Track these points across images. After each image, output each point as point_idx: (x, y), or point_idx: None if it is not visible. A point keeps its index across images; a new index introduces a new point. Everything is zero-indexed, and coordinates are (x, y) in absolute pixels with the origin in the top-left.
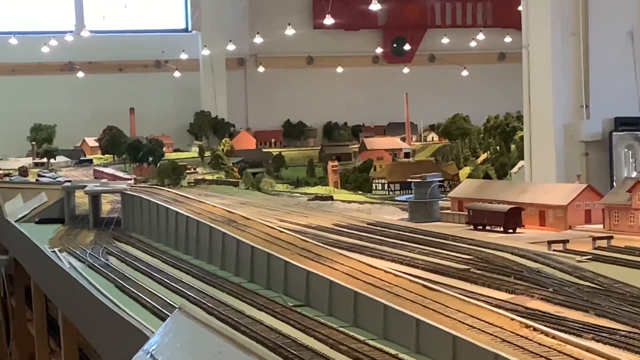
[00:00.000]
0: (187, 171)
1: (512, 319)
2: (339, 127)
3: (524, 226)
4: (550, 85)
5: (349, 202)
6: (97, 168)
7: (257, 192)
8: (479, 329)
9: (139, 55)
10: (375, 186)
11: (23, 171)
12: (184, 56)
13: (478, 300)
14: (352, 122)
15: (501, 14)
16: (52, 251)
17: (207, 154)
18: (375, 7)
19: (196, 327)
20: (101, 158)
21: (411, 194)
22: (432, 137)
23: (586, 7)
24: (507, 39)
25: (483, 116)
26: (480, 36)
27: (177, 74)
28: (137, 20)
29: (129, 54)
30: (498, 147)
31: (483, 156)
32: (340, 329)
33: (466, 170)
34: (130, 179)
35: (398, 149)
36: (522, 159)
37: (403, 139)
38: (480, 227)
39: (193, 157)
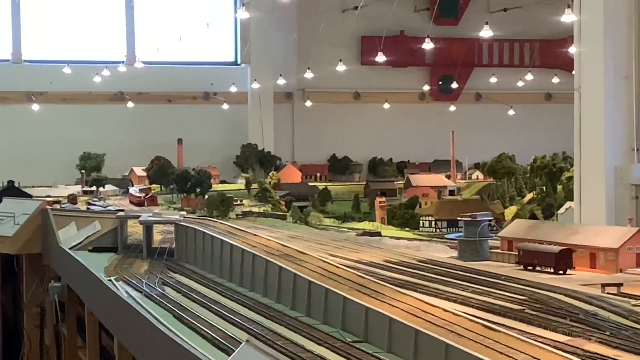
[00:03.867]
0: (234, 203)
1: None
2: (384, 162)
3: (574, 268)
4: (602, 128)
5: (398, 238)
6: (130, 190)
7: (305, 226)
8: None
9: (188, 87)
10: (423, 223)
11: (72, 199)
12: (232, 89)
13: (536, 341)
14: (397, 158)
15: (549, 55)
16: (108, 280)
17: (254, 186)
18: (427, 46)
19: None
20: (149, 188)
21: (459, 231)
22: (477, 176)
23: (639, 51)
24: (555, 80)
25: (528, 155)
26: (529, 76)
27: (225, 106)
28: (189, 52)
29: (178, 86)
30: (544, 188)
31: (529, 196)
32: None
33: (512, 209)
34: (140, 197)
35: (443, 187)
36: (569, 199)
37: (448, 177)
38: (531, 268)
39: (239, 189)
